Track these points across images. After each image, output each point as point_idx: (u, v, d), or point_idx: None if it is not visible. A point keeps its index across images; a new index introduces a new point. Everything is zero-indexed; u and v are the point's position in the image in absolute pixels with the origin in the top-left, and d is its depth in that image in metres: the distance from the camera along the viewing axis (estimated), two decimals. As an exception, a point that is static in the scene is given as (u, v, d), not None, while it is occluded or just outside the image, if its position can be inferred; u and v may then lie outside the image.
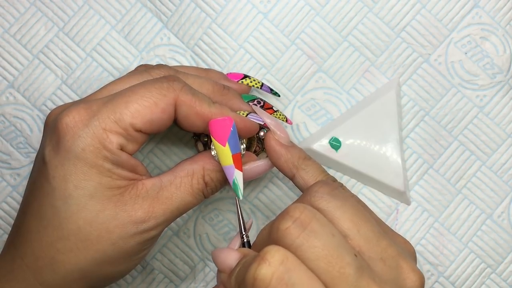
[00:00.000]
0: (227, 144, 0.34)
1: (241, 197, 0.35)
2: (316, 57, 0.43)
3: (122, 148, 0.33)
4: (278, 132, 0.36)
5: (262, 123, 0.37)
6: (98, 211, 0.32)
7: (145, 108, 0.33)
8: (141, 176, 0.34)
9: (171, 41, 0.43)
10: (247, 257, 0.30)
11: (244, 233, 0.35)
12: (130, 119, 0.32)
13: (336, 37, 0.43)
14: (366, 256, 0.29)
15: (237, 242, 0.35)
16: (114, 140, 0.32)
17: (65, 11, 0.43)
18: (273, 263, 0.27)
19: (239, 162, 0.34)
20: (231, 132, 0.34)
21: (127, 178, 0.33)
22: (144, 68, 0.37)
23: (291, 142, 0.36)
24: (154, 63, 0.43)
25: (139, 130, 0.33)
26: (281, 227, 0.28)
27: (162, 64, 0.38)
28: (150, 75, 0.36)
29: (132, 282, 0.43)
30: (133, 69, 0.39)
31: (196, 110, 0.34)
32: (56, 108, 0.36)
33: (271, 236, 0.29)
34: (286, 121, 0.39)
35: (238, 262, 0.31)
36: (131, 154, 0.34)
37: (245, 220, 0.35)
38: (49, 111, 0.43)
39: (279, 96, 0.42)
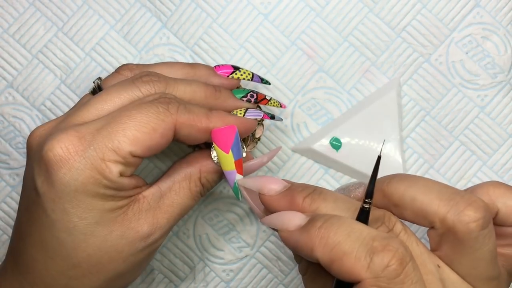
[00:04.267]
0: (230, 151, 0.34)
1: (240, 199, 0.34)
2: (317, 57, 0.43)
3: (121, 175, 0.32)
4: (266, 190, 0.31)
5: (261, 117, 0.36)
6: (106, 235, 0.32)
7: (144, 135, 0.31)
8: (140, 188, 0.34)
9: (170, 40, 0.43)
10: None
11: (369, 200, 0.29)
12: (129, 147, 0.31)
13: (336, 38, 0.43)
14: None
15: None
16: (114, 169, 0.31)
17: (64, 10, 0.43)
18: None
19: (240, 167, 0.34)
20: (235, 139, 0.34)
21: (128, 196, 0.33)
22: (130, 80, 0.34)
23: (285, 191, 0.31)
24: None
25: (137, 156, 0.32)
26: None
27: (149, 71, 0.35)
28: (139, 90, 0.34)
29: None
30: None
31: (197, 127, 0.33)
32: (38, 128, 0.34)
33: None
34: (280, 106, 0.39)
35: (311, 219, 0.28)
36: (130, 176, 0.33)
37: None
38: (48, 111, 0.42)
39: (269, 84, 0.40)
